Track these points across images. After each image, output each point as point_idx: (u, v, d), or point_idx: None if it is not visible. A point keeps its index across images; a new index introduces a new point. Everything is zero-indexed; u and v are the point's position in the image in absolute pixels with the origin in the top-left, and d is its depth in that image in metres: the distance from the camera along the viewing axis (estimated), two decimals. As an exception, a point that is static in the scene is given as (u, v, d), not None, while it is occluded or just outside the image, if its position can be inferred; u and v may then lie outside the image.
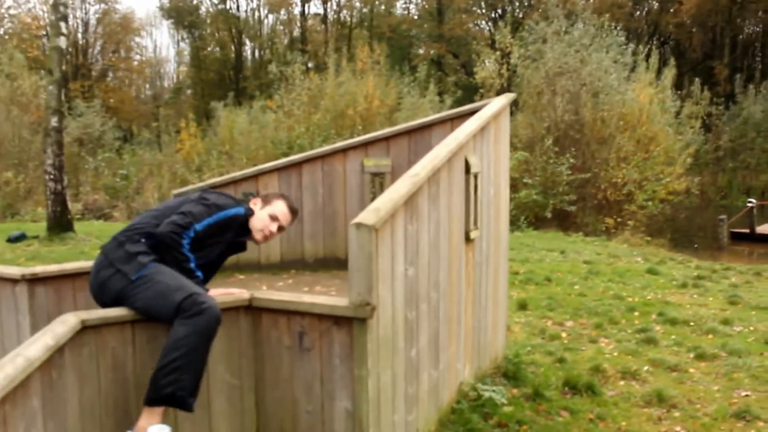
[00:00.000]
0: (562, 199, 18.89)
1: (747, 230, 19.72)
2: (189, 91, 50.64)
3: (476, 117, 4.70)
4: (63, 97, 13.72)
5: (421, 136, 6.22)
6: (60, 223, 12.95)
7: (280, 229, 3.55)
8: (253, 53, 51.60)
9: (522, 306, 7.91)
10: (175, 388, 2.89)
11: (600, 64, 20.88)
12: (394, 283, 3.31)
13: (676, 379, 5.43)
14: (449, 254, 4.11)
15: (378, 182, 6.37)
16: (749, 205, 20.09)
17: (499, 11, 46.00)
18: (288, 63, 24.72)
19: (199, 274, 3.24)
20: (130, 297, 3.10)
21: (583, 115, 20.48)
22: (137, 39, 51.11)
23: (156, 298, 3.03)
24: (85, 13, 46.07)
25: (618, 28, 22.92)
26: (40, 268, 4.25)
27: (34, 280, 4.14)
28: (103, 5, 46.56)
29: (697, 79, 28.45)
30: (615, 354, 6.16)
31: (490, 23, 46.73)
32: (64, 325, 2.80)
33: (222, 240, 3.40)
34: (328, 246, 6.49)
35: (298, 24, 50.03)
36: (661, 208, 20.06)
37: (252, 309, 3.30)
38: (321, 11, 49.83)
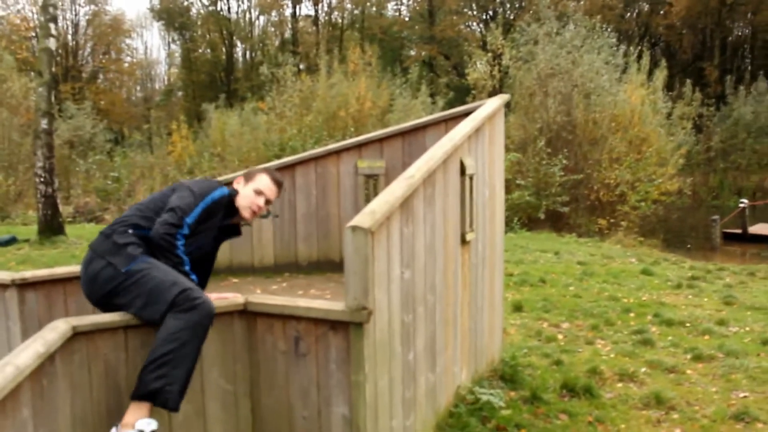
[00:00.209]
0: (555, 200, 18.89)
1: (739, 231, 19.75)
2: (180, 93, 50.47)
3: (471, 118, 4.67)
4: (53, 99, 13.62)
5: (415, 137, 6.18)
6: (51, 227, 12.85)
7: (267, 202, 3.49)
8: (244, 55, 51.50)
9: (517, 308, 7.87)
10: (164, 383, 2.83)
11: (591, 66, 20.90)
12: (391, 286, 3.26)
13: (673, 381, 5.41)
14: (445, 257, 4.07)
15: (372, 184, 6.32)
16: (741, 205, 20.14)
17: (491, 13, 46.06)
18: (279, 65, 24.65)
19: (193, 277, 3.18)
20: (121, 292, 3.04)
21: (575, 116, 20.50)
22: (128, 41, 50.98)
23: (150, 294, 2.97)
24: (75, 15, 45.89)
25: (609, 29, 22.97)
26: (30, 273, 4.19)
27: (24, 285, 4.07)
28: (93, 6, 46.38)
29: (688, 80, 28.54)
30: (612, 356, 6.13)
31: (481, 25, 46.77)
32: (55, 331, 2.74)
33: (211, 225, 3.34)
34: (322, 248, 6.44)
35: (289, 25, 49.94)
36: (653, 208, 20.09)
37: (247, 313, 3.25)
38: (312, 13, 49.84)
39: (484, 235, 4.89)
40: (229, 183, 3.53)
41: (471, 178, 4.40)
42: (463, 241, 4.38)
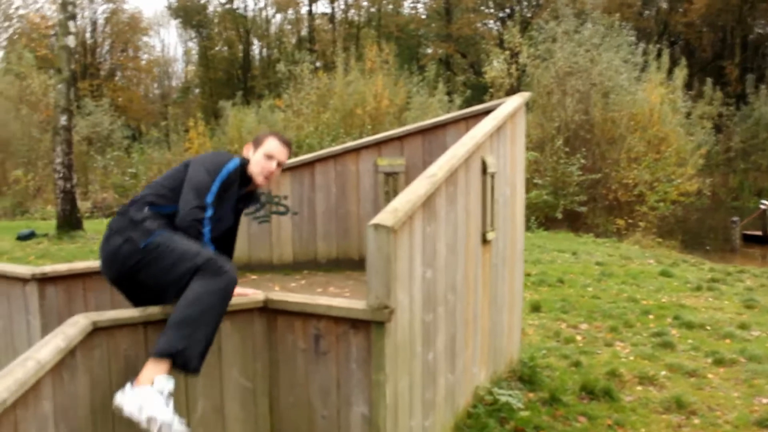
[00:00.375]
0: (572, 199, 18.76)
1: (760, 233, 19.52)
2: (197, 90, 50.64)
3: (492, 116, 4.62)
4: (72, 96, 13.70)
5: (435, 135, 6.13)
6: (69, 222, 12.95)
7: (279, 165, 3.45)
8: (260, 52, 51.56)
9: (535, 308, 7.81)
10: (186, 344, 2.80)
11: (610, 64, 20.72)
12: (412, 285, 3.23)
13: (694, 385, 5.33)
14: (466, 256, 4.03)
15: (392, 182, 6.28)
16: (762, 207, 19.89)
17: (508, 11, 45.83)
18: (296, 62, 24.66)
19: None
20: (143, 267, 3.02)
21: (593, 115, 20.34)
22: (145, 38, 51.09)
23: (174, 265, 2.95)
24: (94, 13, 46.13)
25: (628, 27, 22.77)
26: (49, 268, 4.20)
27: (44, 280, 4.08)
28: (111, 5, 46.60)
29: (709, 79, 28.22)
30: (631, 358, 6.06)
31: (498, 23, 46.56)
32: (75, 327, 2.73)
33: (229, 197, 3.29)
34: (341, 246, 6.41)
35: (306, 23, 49.95)
36: (672, 209, 19.88)
37: (267, 311, 3.23)
38: (329, 10, 49.80)
39: (504, 235, 4.85)
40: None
41: (492, 177, 4.35)
42: (484, 241, 4.33)
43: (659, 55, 23.06)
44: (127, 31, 47.68)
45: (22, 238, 12.73)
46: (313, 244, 6.38)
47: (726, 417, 4.67)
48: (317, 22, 49.91)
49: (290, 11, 50.04)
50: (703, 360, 6.02)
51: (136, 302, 3.27)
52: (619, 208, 19.72)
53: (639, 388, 5.28)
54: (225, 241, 3.42)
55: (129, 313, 3.01)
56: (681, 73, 23.15)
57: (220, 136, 27.66)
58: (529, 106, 21.70)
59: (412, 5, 50.65)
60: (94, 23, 46.28)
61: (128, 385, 2.76)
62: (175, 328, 2.82)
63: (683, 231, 21.86)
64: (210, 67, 48.14)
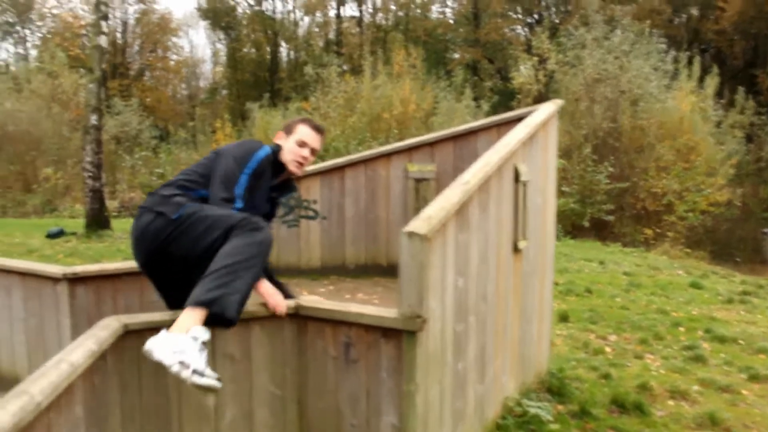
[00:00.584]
0: (599, 208, 18.54)
1: (790, 244, 19.19)
2: (224, 92, 50.95)
3: (525, 123, 4.56)
4: (102, 96, 13.84)
5: (466, 141, 6.08)
6: (97, 220, 13.07)
7: (312, 152, 3.41)
8: (288, 55, 51.76)
9: (563, 318, 7.71)
10: (224, 292, 2.72)
11: (640, 71, 20.48)
12: (444, 294, 3.18)
13: (728, 401, 5.21)
14: (498, 265, 3.97)
15: (422, 188, 6.23)
16: (793, 218, 19.53)
17: (536, 16, 45.58)
18: (324, 65, 24.71)
19: None
20: (176, 238, 2.97)
21: (622, 122, 20.11)
22: (174, 39, 51.55)
23: (208, 230, 2.91)
24: (125, 13, 46.68)
25: (658, 35, 22.49)
26: (80, 268, 4.22)
27: (74, 280, 4.11)
28: (142, 5, 47.13)
29: (741, 88, 27.76)
30: (662, 371, 5.94)
31: (526, 28, 46.32)
32: (107, 329, 2.73)
33: (262, 186, 3.24)
34: (370, 252, 6.37)
35: (334, 26, 50.09)
36: (701, 219, 19.57)
37: (297, 317, 3.20)
38: (356, 14, 49.89)
39: (535, 244, 4.78)
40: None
41: (525, 185, 4.29)
42: (516, 250, 4.27)
43: (690, 62, 22.74)
44: (157, 31, 48.16)
45: (52, 236, 12.88)
46: (342, 249, 6.35)
47: (761, 435, 4.56)
48: (345, 25, 50.02)
49: (318, 14, 50.23)
50: (736, 375, 5.89)
51: (165, 288, 3.24)
52: (647, 218, 19.46)
53: (671, 402, 5.17)
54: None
55: (160, 316, 3.00)
56: (712, 82, 22.79)
57: (247, 138, 27.77)
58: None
59: (440, 10, 50.57)
60: (124, 23, 46.81)
61: (162, 332, 2.68)
62: (212, 278, 2.76)
63: (712, 241, 21.52)
64: (238, 69, 48.43)
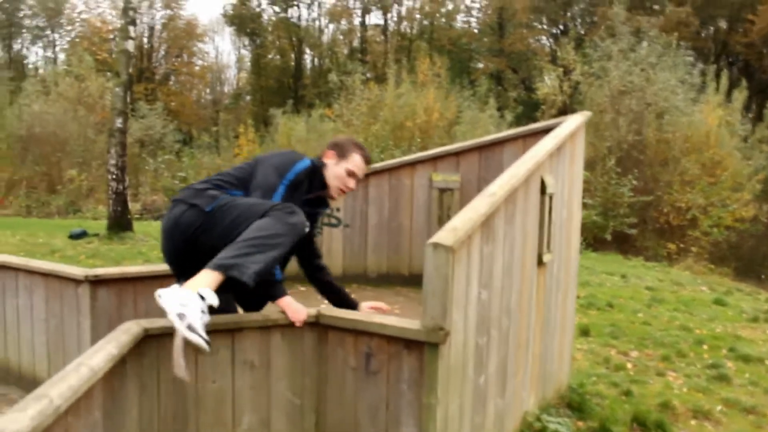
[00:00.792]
0: (622, 221, 18.36)
1: (817, 262, 18.85)
2: (248, 98, 51.32)
3: (553, 135, 4.51)
4: (128, 99, 13.96)
5: (492, 152, 6.02)
6: (120, 223, 13.16)
7: (357, 182, 3.41)
8: (312, 62, 52.06)
9: (584, 332, 7.62)
10: (243, 261, 2.70)
11: (666, 84, 20.29)
12: (468, 307, 3.14)
13: (753, 423, 5.11)
14: (522, 278, 3.91)
15: (446, 198, 6.19)
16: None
17: (561, 27, 45.43)
18: (348, 73, 24.78)
19: (278, 273, 3.08)
20: (208, 229, 2.94)
21: (647, 135, 19.92)
22: (200, 44, 52.07)
23: (239, 218, 2.88)
24: (152, 18, 47.21)
25: (686, 47, 22.27)
26: (102, 271, 4.23)
27: (96, 282, 4.12)
28: (168, 11, 47.64)
29: (770, 103, 27.39)
30: (684, 390, 5.84)
31: (551, 39, 46.17)
32: (128, 333, 2.71)
33: (297, 196, 3.18)
34: (392, 261, 6.33)
35: (358, 34, 50.28)
36: (726, 235, 19.29)
37: (318, 326, 3.16)
38: (381, 22, 50.04)
39: (559, 257, 4.72)
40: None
41: (551, 198, 4.23)
42: (540, 263, 4.21)
43: (718, 75, 22.47)
44: (183, 36, 48.65)
45: (74, 237, 13.00)
46: (363, 258, 6.31)
47: (788, 459, 4.45)
48: (370, 33, 50.19)
49: (343, 22, 50.46)
50: (762, 396, 5.77)
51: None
52: (670, 232, 19.24)
53: (693, 422, 5.08)
54: (302, 246, 3.35)
55: (180, 321, 2.98)
56: (740, 95, 22.49)
57: (270, 144, 27.91)
58: (581, 124, 21.44)
59: (464, 19, 50.55)
60: (151, 29, 47.36)
61: (176, 284, 2.70)
62: (236, 248, 2.74)
63: (736, 258, 21.20)
64: (262, 75, 48.76)
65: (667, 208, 19.15)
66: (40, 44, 48.58)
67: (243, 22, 49.14)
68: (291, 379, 3.14)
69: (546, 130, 5.26)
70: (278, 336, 3.09)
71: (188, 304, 2.59)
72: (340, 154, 3.34)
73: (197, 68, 51.52)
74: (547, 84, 24.63)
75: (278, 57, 50.23)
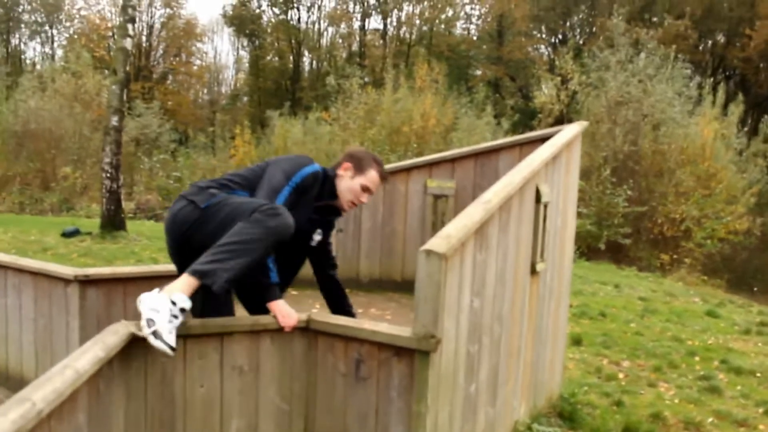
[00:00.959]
0: (616, 231, 18.39)
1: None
2: (246, 99, 51.28)
3: (549, 144, 4.49)
4: (124, 98, 13.91)
5: (487, 159, 6.00)
6: (113, 221, 13.09)
7: (370, 196, 3.41)
8: (311, 65, 52.04)
9: (576, 341, 7.60)
10: (217, 267, 2.75)
11: (663, 96, 20.35)
12: (460, 314, 3.11)
13: (744, 436, 5.09)
14: (514, 286, 3.89)
15: (441, 204, 6.16)
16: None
17: (560, 36, 45.53)
18: (346, 76, 24.77)
19: (273, 275, 3.08)
20: (200, 226, 3.00)
21: (643, 146, 19.97)
22: (199, 44, 52.02)
23: (230, 215, 2.91)
24: (151, 17, 47.15)
25: (683, 60, 22.34)
26: (92, 270, 4.20)
27: (86, 282, 4.08)
28: (168, 10, 47.59)
29: (766, 116, 27.46)
30: (676, 401, 5.83)
31: (549, 48, 46.27)
32: (116, 335, 2.67)
33: (304, 202, 3.21)
34: (384, 266, 6.29)
35: (357, 38, 50.30)
36: (719, 247, 19.34)
37: (308, 331, 3.13)
38: (381, 26, 50.07)
39: (553, 266, 4.70)
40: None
41: (545, 207, 4.21)
42: (533, 271, 4.19)
43: (714, 89, 22.55)
44: (182, 36, 48.60)
45: (67, 235, 12.94)
46: (356, 262, 6.27)
47: (778, 474, 4.43)
48: (369, 37, 50.20)
49: (343, 25, 50.47)
50: (753, 409, 5.76)
51: None
52: (664, 243, 19.27)
53: (684, 434, 5.06)
54: (313, 253, 3.43)
55: (169, 324, 2.94)
56: (737, 109, 22.58)
57: (266, 146, 27.90)
58: (577, 133, 21.47)
59: (464, 26, 50.65)
60: (150, 27, 47.29)
61: (157, 289, 2.77)
62: (212, 253, 2.80)
63: (729, 270, 21.24)
64: (260, 76, 48.72)
65: (661, 219, 19.18)
66: (38, 40, 48.48)
67: (242, 22, 49.11)
68: (280, 385, 3.11)
69: (542, 139, 5.24)
70: (268, 341, 3.06)
71: (160, 309, 2.67)
72: (357, 168, 3.33)
73: (195, 68, 51.46)
74: (545, 93, 24.68)
75: (277, 59, 50.20)
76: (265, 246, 2.87)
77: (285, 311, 3.06)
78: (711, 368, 6.98)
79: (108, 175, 13.12)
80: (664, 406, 5.60)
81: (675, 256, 18.55)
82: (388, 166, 6.41)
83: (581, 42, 40.48)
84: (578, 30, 45.70)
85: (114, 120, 13.19)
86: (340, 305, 3.61)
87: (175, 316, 2.69)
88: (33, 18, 47.17)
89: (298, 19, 50.17)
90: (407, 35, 49.79)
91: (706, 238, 18.76)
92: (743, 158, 22.91)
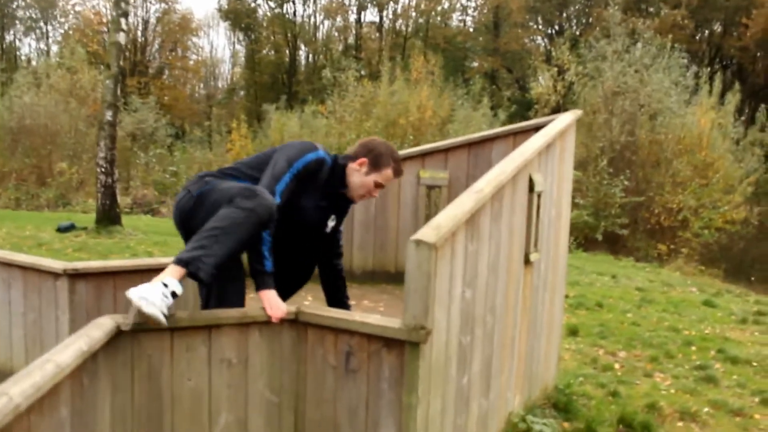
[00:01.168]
0: (613, 221, 18.36)
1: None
2: (242, 93, 51.16)
3: (542, 133, 4.44)
4: (119, 92, 13.84)
5: (481, 149, 5.95)
6: (108, 216, 13.05)
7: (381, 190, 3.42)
8: (307, 58, 51.90)
9: (573, 332, 7.57)
10: (202, 253, 2.75)
11: (660, 86, 20.29)
12: (451, 305, 3.07)
13: (740, 425, 5.06)
14: (507, 277, 3.85)
15: (434, 195, 6.12)
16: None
17: (556, 27, 45.43)
18: (342, 69, 24.70)
19: (268, 264, 3.05)
20: (194, 214, 3.03)
21: (639, 136, 19.93)
22: (194, 39, 51.83)
23: (217, 201, 2.93)
24: (146, 12, 46.98)
25: (680, 49, 22.27)
26: (81, 264, 4.15)
27: (75, 276, 4.04)
28: (163, 5, 47.40)
29: (763, 105, 27.43)
30: (672, 391, 5.80)
31: (545, 39, 46.18)
32: (101, 329, 2.64)
33: (309, 189, 3.20)
34: (378, 258, 6.24)
35: (353, 31, 50.15)
36: (716, 237, 19.32)
37: (297, 323, 3.09)
38: (377, 19, 49.92)
39: (547, 256, 4.66)
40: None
41: (539, 196, 4.17)
42: (527, 262, 4.15)
43: (711, 78, 22.49)
44: (178, 31, 48.43)
45: (62, 230, 12.89)
46: (349, 254, 6.21)
47: (774, 463, 4.41)
48: (365, 30, 50.08)
49: (338, 18, 50.33)
50: (749, 398, 5.73)
51: None
52: (661, 233, 19.25)
53: (680, 424, 5.04)
54: (321, 240, 3.40)
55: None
56: (733, 98, 22.53)
57: (262, 139, 27.82)
58: (574, 124, 21.42)
59: (460, 18, 50.53)
60: (146, 22, 47.13)
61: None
62: (197, 240, 2.80)
63: (726, 260, 21.23)
64: (256, 70, 48.59)
65: (658, 209, 19.15)
66: (33, 36, 48.31)
67: (238, 17, 48.95)
68: (269, 378, 3.07)
69: (536, 128, 5.21)
70: (256, 333, 3.02)
71: (151, 291, 2.66)
72: (374, 165, 3.31)
73: (191, 63, 51.31)
74: (541, 84, 24.60)
75: (273, 53, 50.06)
76: (247, 229, 2.85)
77: (274, 302, 3.02)
78: (707, 358, 6.96)
79: (103, 170, 13.06)
80: (659, 396, 5.58)
81: (672, 246, 18.54)
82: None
83: (578, 32, 40.42)
84: (574, 20, 45.63)
85: (108, 115, 13.13)
86: (336, 296, 3.60)
87: (167, 297, 2.68)
88: (27, 14, 47.01)
89: (294, 12, 50.02)
90: (403, 27, 49.65)
91: (703, 227, 18.74)
92: (740, 148, 22.88)
